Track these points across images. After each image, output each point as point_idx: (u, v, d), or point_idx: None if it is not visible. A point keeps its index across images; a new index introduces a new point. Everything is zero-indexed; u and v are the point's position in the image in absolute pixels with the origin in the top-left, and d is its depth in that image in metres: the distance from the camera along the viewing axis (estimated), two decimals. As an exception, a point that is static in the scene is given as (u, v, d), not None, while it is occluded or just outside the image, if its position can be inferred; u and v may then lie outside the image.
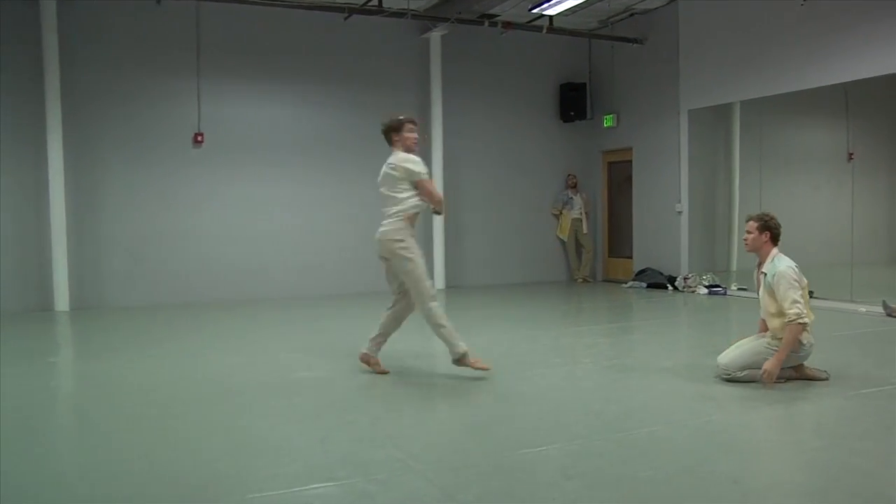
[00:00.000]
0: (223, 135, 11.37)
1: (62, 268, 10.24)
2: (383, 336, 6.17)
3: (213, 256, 11.31)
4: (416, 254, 5.87)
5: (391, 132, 6.05)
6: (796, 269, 5.52)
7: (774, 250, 5.67)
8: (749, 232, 5.71)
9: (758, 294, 5.83)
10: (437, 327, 5.89)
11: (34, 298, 10.35)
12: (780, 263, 5.55)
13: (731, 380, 5.59)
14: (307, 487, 3.64)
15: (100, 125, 10.71)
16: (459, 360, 5.90)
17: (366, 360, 6.14)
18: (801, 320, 5.37)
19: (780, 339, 5.45)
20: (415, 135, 6.08)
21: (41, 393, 5.85)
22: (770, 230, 5.66)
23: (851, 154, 10.39)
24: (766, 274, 5.61)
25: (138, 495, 3.64)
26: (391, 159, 5.99)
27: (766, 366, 5.43)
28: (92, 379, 6.34)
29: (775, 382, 5.46)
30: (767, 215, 5.71)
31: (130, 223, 10.88)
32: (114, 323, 9.43)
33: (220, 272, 11.34)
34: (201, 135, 11.21)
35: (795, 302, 5.38)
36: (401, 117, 6.08)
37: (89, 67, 10.60)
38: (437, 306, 5.89)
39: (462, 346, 5.87)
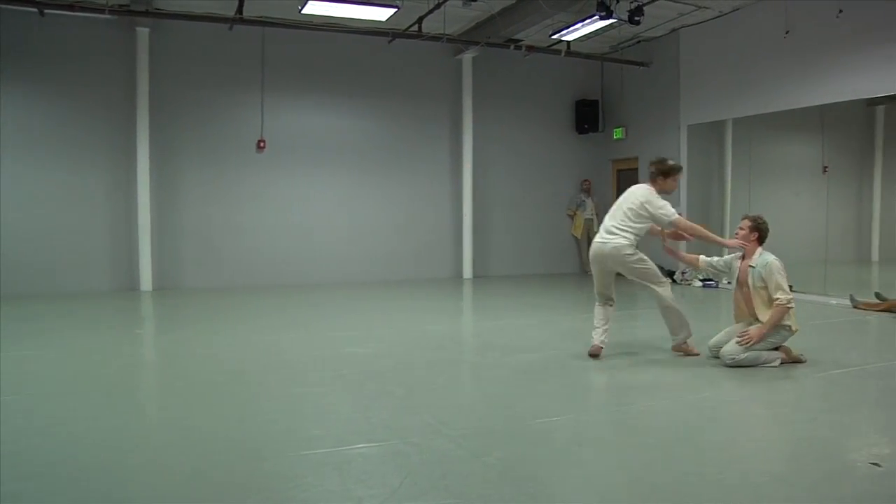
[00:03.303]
0: (282, 141, 11.43)
1: (146, 254, 10.39)
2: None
3: (271, 245, 11.39)
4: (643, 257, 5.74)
5: (659, 174, 5.72)
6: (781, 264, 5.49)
7: (759, 248, 5.61)
8: (741, 229, 5.66)
9: (735, 284, 5.76)
10: (666, 309, 5.82)
11: (123, 279, 10.53)
12: (768, 257, 5.51)
13: (735, 365, 5.39)
14: (351, 447, 3.66)
15: (179, 132, 10.82)
16: (677, 347, 5.91)
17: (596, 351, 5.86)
18: (790, 305, 5.36)
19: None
20: (677, 184, 5.80)
21: (128, 358, 5.93)
22: (759, 231, 5.61)
23: (826, 167, 10.33)
24: (754, 266, 5.52)
25: (209, 448, 3.69)
26: (646, 194, 5.67)
27: (752, 331, 5.42)
28: (169, 348, 6.43)
29: (773, 366, 5.43)
30: (760, 218, 5.64)
31: (203, 216, 11.00)
32: (189, 301, 9.54)
33: (278, 259, 11.42)
34: (263, 141, 11.29)
35: (783, 289, 5.36)
36: (675, 164, 5.74)
37: (172, 83, 10.72)
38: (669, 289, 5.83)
39: (683, 335, 5.84)
